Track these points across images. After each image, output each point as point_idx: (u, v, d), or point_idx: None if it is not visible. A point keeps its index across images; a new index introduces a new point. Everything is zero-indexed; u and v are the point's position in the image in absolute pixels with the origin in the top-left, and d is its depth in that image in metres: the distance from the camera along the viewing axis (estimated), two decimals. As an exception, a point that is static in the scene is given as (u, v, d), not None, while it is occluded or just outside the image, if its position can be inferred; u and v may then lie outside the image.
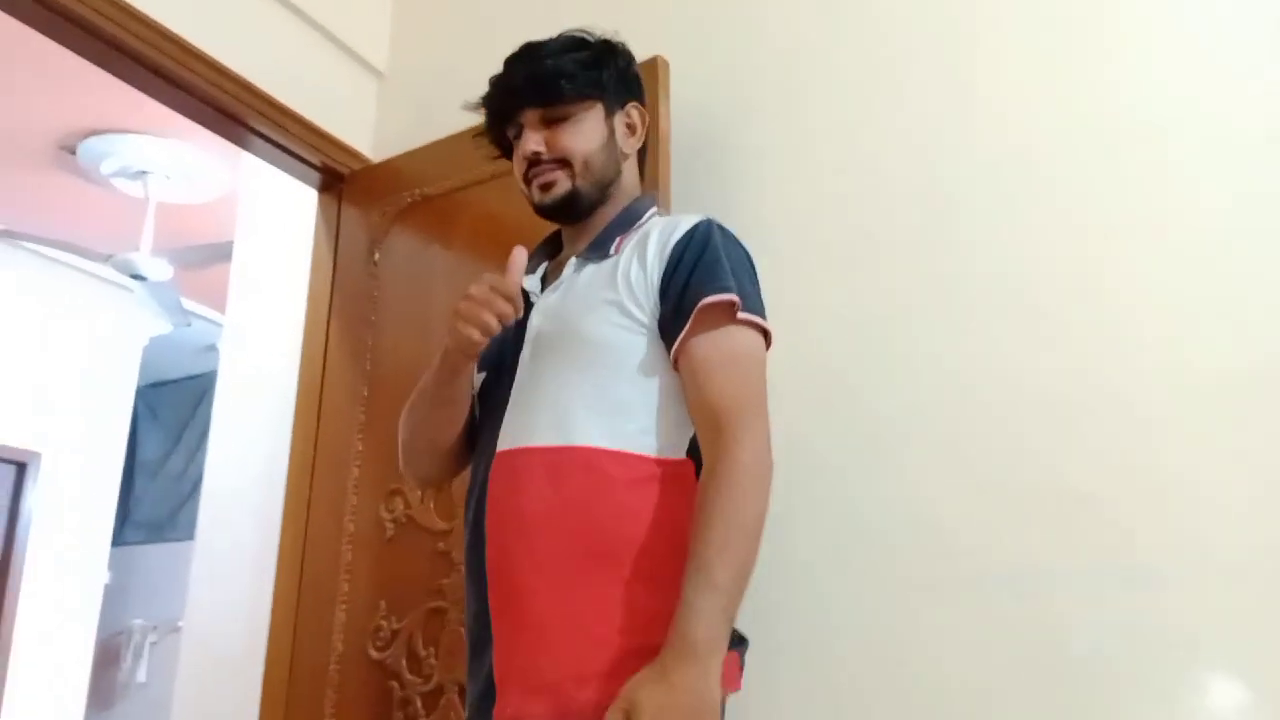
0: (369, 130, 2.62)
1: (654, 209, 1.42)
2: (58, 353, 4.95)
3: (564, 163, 1.35)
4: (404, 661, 1.96)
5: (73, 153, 3.93)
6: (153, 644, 5.86)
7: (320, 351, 2.40)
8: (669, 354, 1.23)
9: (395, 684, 1.96)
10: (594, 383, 1.23)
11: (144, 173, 3.97)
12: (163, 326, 5.09)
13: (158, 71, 2.11)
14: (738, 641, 1.19)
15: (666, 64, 1.96)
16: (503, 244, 2.10)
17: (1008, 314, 1.69)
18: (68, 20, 1.93)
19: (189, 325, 4.83)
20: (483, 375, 1.39)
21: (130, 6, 1.99)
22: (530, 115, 1.37)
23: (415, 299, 2.25)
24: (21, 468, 4.85)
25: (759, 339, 1.25)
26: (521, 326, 1.32)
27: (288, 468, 2.36)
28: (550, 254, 1.48)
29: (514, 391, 1.29)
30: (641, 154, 1.48)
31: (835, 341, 1.84)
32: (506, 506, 1.22)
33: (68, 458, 4.96)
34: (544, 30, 2.44)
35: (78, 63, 2.09)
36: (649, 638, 1.10)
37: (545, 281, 1.42)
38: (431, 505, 2.03)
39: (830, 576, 1.72)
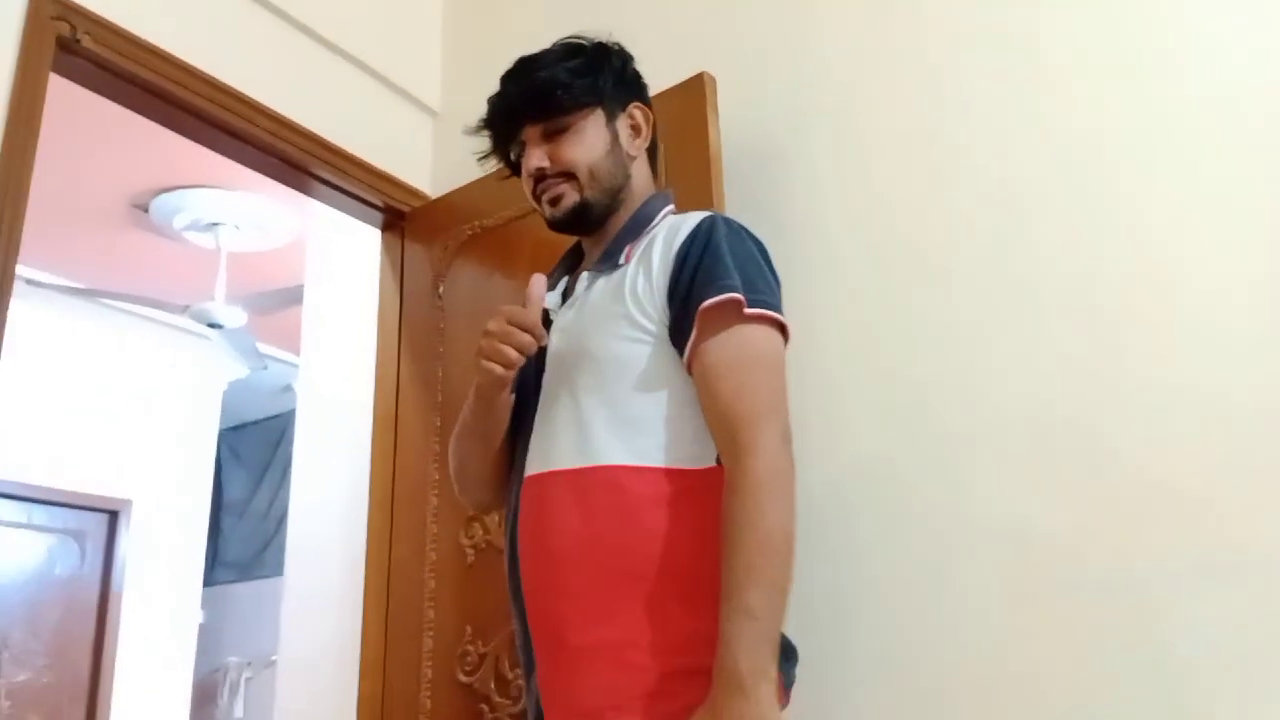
0: (427, 168, 2.69)
1: (667, 208, 1.39)
2: (143, 403, 5.13)
3: (569, 175, 1.34)
4: (492, 684, 2.00)
5: (145, 210, 4.09)
6: (248, 679, 6.01)
7: (393, 385, 2.46)
8: (685, 362, 1.21)
9: (485, 707, 1.99)
10: (610, 400, 1.22)
11: (215, 224, 4.11)
12: (240, 371, 5.26)
13: (223, 127, 2.20)
14: (784, 658, 1.13)
15: (714, 80, 1.98)
16: (563, 269, 2.16)
17: (1083, 316, 1.67)
18: (134, 85, 2.02)
19: (265, 368, 4.99)
20: (513, 398, 1.37)
21: (193, 68, 2.08)
22: (531, 131, 1.35)
23: (480, 329, 2.29)
24: (114, 516, 5.04)
25: (772, 334, 1.21)
26: (543, 347, 1.29)
27: (368, 500, 2.42)
28: (571, 267, 1.46)
29: (538, 414, 1.29)
30: (652, 152, 1.45)
31: (908, 354, 1.83)
32: (536, 532, 1.22)
33: (158, 503, 5.14)
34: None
35: (143, 124, 2.19)
36: (688, 658, 1.09)
37: (566, 296, 1.39)
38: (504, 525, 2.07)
39: (919, 593, 1.72)
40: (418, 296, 2.47)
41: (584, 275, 1.35)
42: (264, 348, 4.94)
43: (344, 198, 2.55)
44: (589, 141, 1.34)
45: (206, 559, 5.45)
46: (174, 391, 5.28)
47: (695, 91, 1.97)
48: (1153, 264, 1.63)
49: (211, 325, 4.25)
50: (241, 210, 4.08)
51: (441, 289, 2.41)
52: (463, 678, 2.05)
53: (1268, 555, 1.45)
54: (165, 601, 5.10)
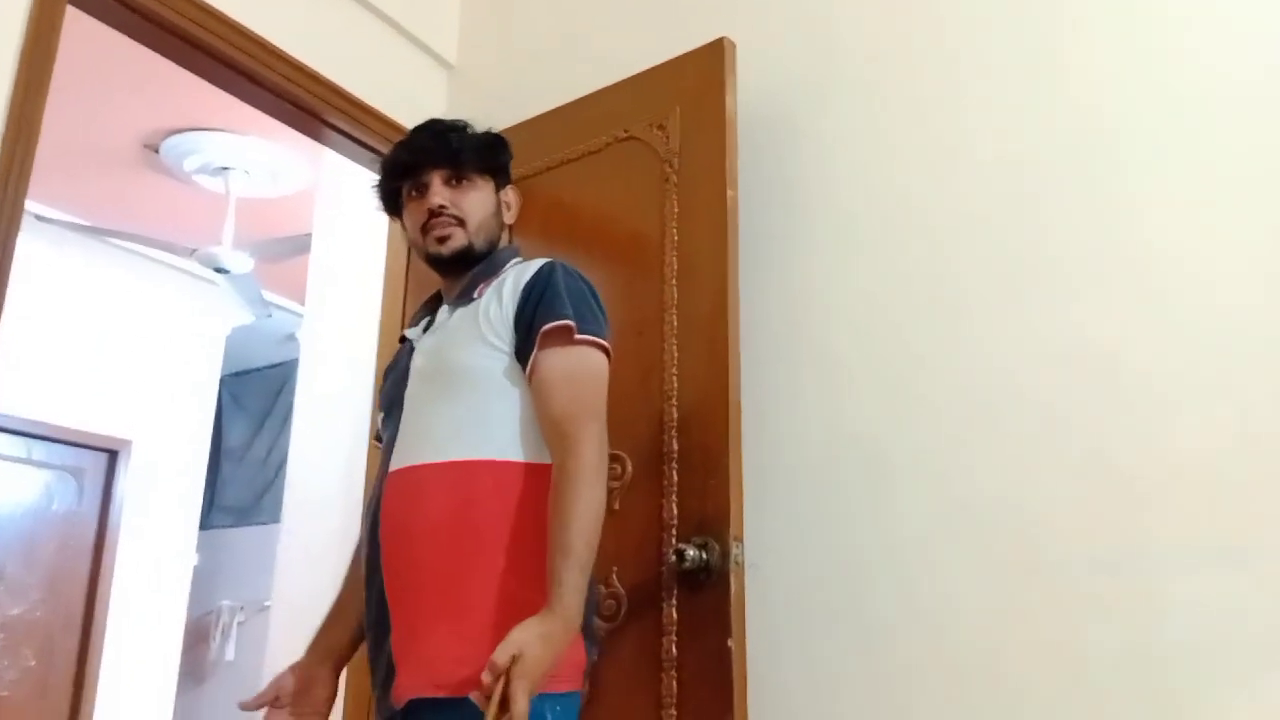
0: (440, 121, 2.67)
1: (514, 258, 1.61)
2: (146, 344, 5.14)
3: (461, 221, 1.56)
4: (483, 637, 2.02)
5: (156, 151, 4.07)
6: (240, 623, 6.07)
7: (396, 338, 2.46)
8: (526, 375, 1.44)
9: (475, 659, 2.02)
10: (466, 404, 1.45)
11: (225, 169, 4.10)
12: (245, 317, 5.26)
13: (238, 70, 2.19)
14: (586, 636, 1.37)
15: (733, 45, 1.97)
16: (575, 228, 2.16)
17: (1098, 291, 1.67)
18: (152, 23, 2.02)
19: (270, 316, 4.99)
20: (381, 415, 1.61)
21: (211, 7, 2.07)
22: (437, 175, 1.57)
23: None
24: (113, 455, 5.06)
25: (597, 355, 1.45)
26: (407, 368, 1.55)
27: (367, 451, 2.44)
28: (432, 309, 1.67)
29: (403, 422, 1.51)
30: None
31: (912, 327, 1.84)
32: (400, 516, 1.43)
33: (157, 445, 5.16)
34: (608, 18, 2.48)
35: (159, 64, 2.18)
36: (509, 621, 1.28)
37: (429, 328, 1.62)
38: (507, 486, 2.08)
39: (925, 563, 1.73)
40: (426, 250, 2.47)
41: (444, 309, 1.60)
42: (269, 295, 4.94)
43: (356, 147, 2.54)
44: (483, 200, 1.60)
45: (204, 503, 5.49)
46: (178, 335, 5.29)
47: (714, 56, 1.96)
48: (1161, 245, 1.63)
49: (218, 270, 4.25)
50: (253, 156, 4.06)
51: (450, 244, 2.41)
52: (454, 629, 2.08)
53: (1264, 538, 1.47)
54: (161, 542, 5.14)
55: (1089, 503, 1.60)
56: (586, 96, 2.22)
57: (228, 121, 3.86)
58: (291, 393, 3.21)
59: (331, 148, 2.61)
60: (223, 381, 5.73)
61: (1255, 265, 1.56)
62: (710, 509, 1.73)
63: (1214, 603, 1.48)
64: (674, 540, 1.76)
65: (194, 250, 4.20)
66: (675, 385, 1.86)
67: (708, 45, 1.98)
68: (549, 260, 1.54)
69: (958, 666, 1.66)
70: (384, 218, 2.63)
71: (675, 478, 1.81)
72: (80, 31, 1.92)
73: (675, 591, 1.74)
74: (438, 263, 1.59)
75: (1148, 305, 1.63)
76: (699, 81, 1.98)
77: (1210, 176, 1.62)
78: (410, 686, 1.35)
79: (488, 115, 2.48)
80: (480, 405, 1.44)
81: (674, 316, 1.90)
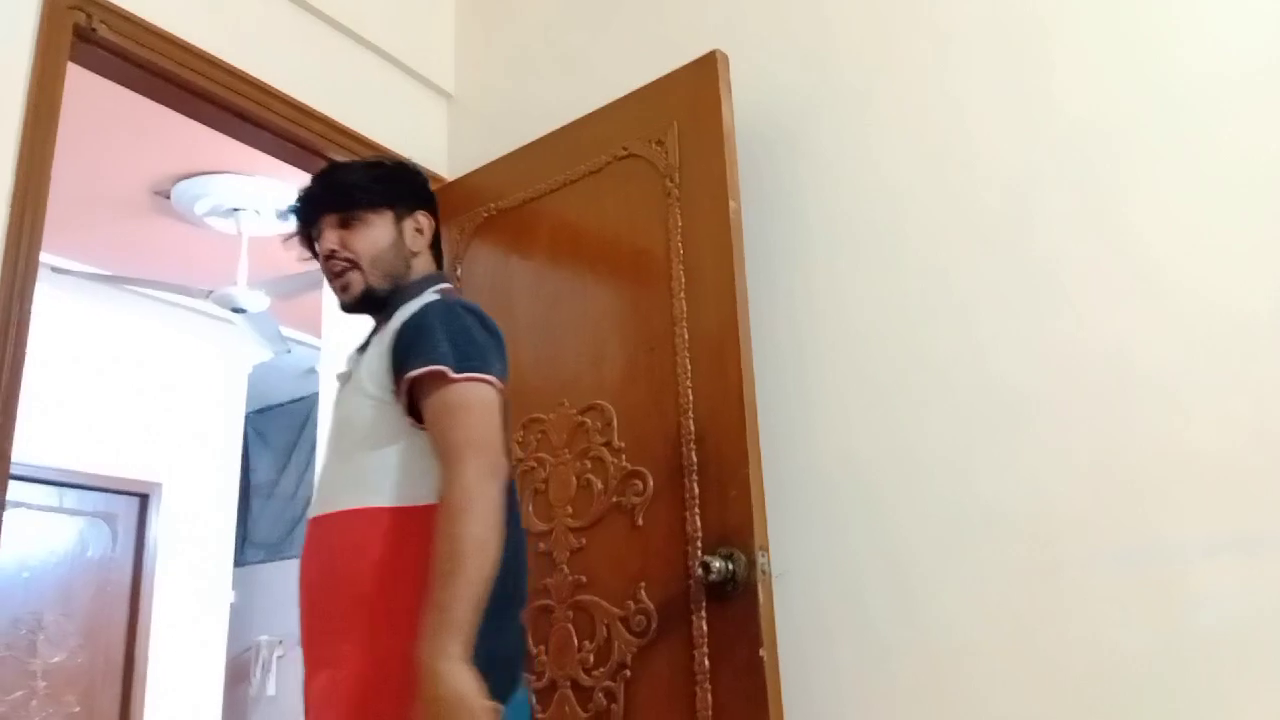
0: (442, 150, 2.70)
1: (426, 292, 1.55)
2: (170, 387, 5.20)
3: (354, 263, 1.54)
4: (516, 660, 2.02)
5: (167, 197, 4.12)
6: (279, 657, 6.11)
7: (413, 367, 2.48)
8: (404, 424, 1.41)
9: (509, 682, 2.02)
10: (349, 455, 1.45)
11: (236, 210, 4.14)
12: (264, 354, 5.31)
13: (238, 114, 2.23)
14: (489, 667, 1.26)
15: (725, 57, 1.98)
16: (581, 248, 2.17)
17: (1103, 291, 1.67)
18: (150, 73, 2.05)
19: (289, 351, 5.03)
20: None
21: (208, 54, 2.10)
22: (329, 219, 1.56)
23: (499, 309, 2.28)
24: (145, 499, 5.11)
25: (479, 388, 1.39)
26: None
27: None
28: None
29: (321, 467, 1.54)
30: (436, 247, 1.66)
31: (919, 334, 1.84)
32: (302, 566, 1.46)
33: (187, 486, 5.21)
34: (601, 39, 2.50)
35: (164, 111, 2.21)
36: (386, 669, 1.30)
37: None
38: (531, 508, 2.09)
39: (946, 566, 1.73)
40: (436, 278, 2.49)
41: (353, 354, 1.59)
42: (287, 331, 4.98)
43: (361, 181, 2.56)
44: (375, 235, 1.55)
45: (236, 540, 5.53)
46: (200, 375, 5.34)
47: (708, 69, 1.97)
48: (1165, 243, 1.63)
49: (235, 310, 4.29)
50: (262, 195, 4.10)
51: (459, 271, 2.43)
52: (486, 654, 2.08)
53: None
54: (196, 582, 5.18)
55: (1105, 502, 1.59)
56: (585, 117, 2.24)
57: (235, 164, 3.91)
58: (315, 425, 3.23)
59: (337, 183, 2.64)
60: (247, 418, 5.78)
61: (1265, 260, 1.54)
62: (733, 520, 1.74)
63: (1234, 595, 1.47)
64: (699, 553, 1.77)
65: (210, 292, 4.25)
66: (690, 398, 1.86)
67: (701, 59, 1.99)
68: (429, 303, 1.49)
69: (985, 670, 1.65)
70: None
71: (696, 490, 1.81)
72: (84, 84, 1.95)
73: (704, 604, 1.74)
74: (349, 310, 1.58)
75: (1154, 303, 1.62)
76: (694, 95, 1.99)
77: (1209, 171, 1.61)
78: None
79: (489, 141, 2.53)
80: (362, 454, 1.43)
81: (684, 330, 1.90)
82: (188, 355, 5.30)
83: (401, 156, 2.54)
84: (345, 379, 1.56)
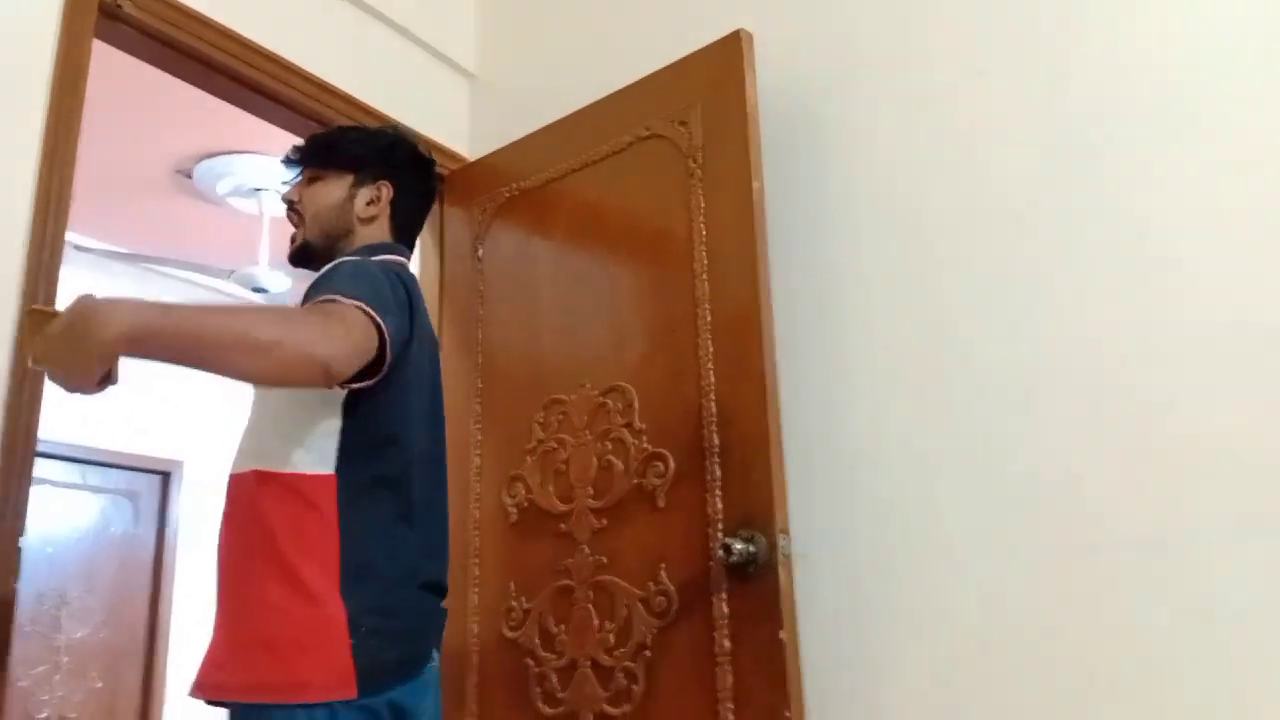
0: (464, 130, 2.69)
1: (354, 258, 1.52)
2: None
3: (302, 217, 1.60)
4: (537, 639, 2.03)
5: (189, 176, 4.14)
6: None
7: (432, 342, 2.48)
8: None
9: (530, 661, 2.03)
10: (260, 417, 1.46)
11: (257, 190, 4.15)
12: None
13: (261, 91, 2.22)
14: (375, 650, 1.31)
15: (750, 36, 1.96)
16: (603, 229, 2.16)
17: (1127, 273, 1.65)
18: (174, 50, 2.04)
19: (307, 331, 5.04)
20: None
21: (232, 32, 2.10)
22: (305, 174, 1.63)
23: (520, 290, 2.31)
24: (166, 476, 5.16)
25: (356, 312, 1.30)
26: None
27: (412, 461, 2.46)
28: None
29: None
30: (398, 218, 1.64)
31: (951, 314, 1.82)
32: (222, 517, 1.47)
33: (208, 464, 5.24)
34: (624, 18, 2.48)
35: (187, 91, 2.21)
36: (267, 629, 1.32)
37: None
38: (551, 489, 2.10)
39: (974, 549, 1.72)
40: (457, 260, 2.49)
41: None
42: (307, 311, 4.99)
43: (382, 160, 2.56)
44: (324, 192, 1.60)
45: (255, 518, 5.56)
46: (220, 355, 5.37)
47: (732, 48, 1.95)
48: (1200, 219, 1.60)
49: (256, 289, 4.31)
50: (283, 175, 4.11)
51: (481, 251, 2.43)
52: (508, 633, 2.09)
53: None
54: (217, 559, 5.22)
55: (1135, 482, 1.58)
56: (607, 97, 2.22)
57: (257, 143, 3.91)
58: (334, 407, 3.24)
59: (358, 163, 2.64)
60: (267, 398, 5.81)
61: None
62: (754, 502, 1.73)
63: (1265, 572, 1.46)
64: (720, 534, 1.76)
65: (232, 271, 4.26)
66: (712, 380, 1.86)
67: (725, 38, 1.98)
68: (343, 260, 1.49)
69: (1011, 652, 1.64)
70: (414, 229, 2.69)
71: (718, 472, 1.81)
72: (108, 63, 1.95)
73: (725, 586, 1.74)
74: (292, 261, 1.62)
75: (1186, 284, 1.60)
76: (718, 74, 1.97)
77: (1246, 143, 1.59)
78: (197, 685, 1.39)
79: (511, 121, 2.52)
80: (268, 417, 1.44)
81: (707, 311, 1.90)
82: (209, 335, 5.33)
83: (419, 134, 2.57)
84: None
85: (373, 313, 1.30)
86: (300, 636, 1.32)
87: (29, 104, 1.73)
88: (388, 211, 1.63)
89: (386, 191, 1.63)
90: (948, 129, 1.89)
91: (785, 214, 1.99)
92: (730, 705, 1.70)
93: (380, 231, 1.63)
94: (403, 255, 1.63)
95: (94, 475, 4.92)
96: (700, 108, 2.00)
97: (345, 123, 2.37)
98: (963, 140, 1.86)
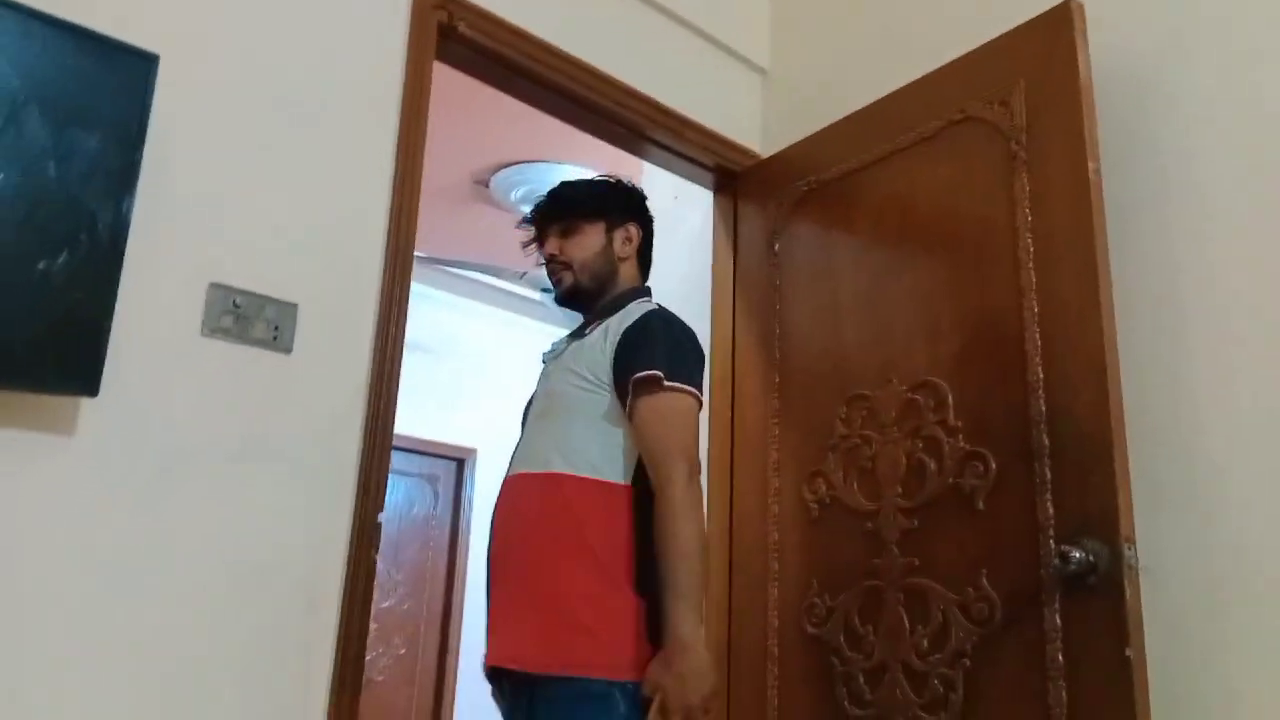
0: (757, 127, 2.70)
1: (637, 300, 1.79)
2: (484, 359, 5.62)
3: (568, 265, 1.82)
4: (842, 638, 2.00)
5: (486, 185, 4.43)
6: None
7: (729, 343, 2.51)
8: (623, 411, 1.65)
9: (835, 659, 2.00)
10: (561, 427, 1.68)
11: (547, 195, 4.38)
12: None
13: (574, 99, 2.33)
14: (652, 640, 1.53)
15: (1081, 7, 1.83)
16: (910, 219, 2.09)
17: None
18: (502, 66, 2.19)
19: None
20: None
21: (550, 45, 2.21)
22: (553, 228, 1.86)
23: (819, 284, 2.28)
24: (461, 463, 5.58)
25: (686, 399, 1.64)
26: (538, 389, 1.84)
27: (707, 455, 2.49)
28: (570, 339, 1.89)
29: (523, 434, 1.79)
30: (643, 259, 1.91)
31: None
32: (504, 514, 1.71)
33: (500, 450, 5.59)
34: (921, 5, 2.38)
35: (488, 107, 2.35)
36: (570, 605, 1.56)
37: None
38: (855, 486, 2.06)
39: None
40: (752, 255, 2.50)
41: (566, 338, 1.87)
42: (586, 311, 5.20)
43: (677, 159, 2.62)
44: (587, 243, 1.83)
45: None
46: (513, 352, 5.73)
47: (1062, 21, 1.83)
48: None
49: (545, 290, 4.55)
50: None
51: (777, 246, 2.42)
52: (810, 629, 2.07)
53: None
54: (507, 541, 5.56)
55: None
56: (911, 84, 2.15)
57: (546, 153, 4.13)
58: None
59: (653, 162, 2.71)
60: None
61: None
62: (1094, 508, 1.61)
63: None
64: (1052, 542, 1.66)
65: (524, 274, 4.53)
66: (1040, 376, 1.75)
67: (1053, 10, 1.85)
68: (650, 310, 1.73)
69: None
70: (709, 228, 2.73)
71: (1048, 475, 1.70)
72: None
73: (1058, 596, 1.63)
74: (561, 301, 1.88)
75: None
76: (1045, 50, 1.85)
77: None
78: (495, 656, 1.62)
79: (804, 116, 2.50)
80: (572, 428, 1.66)
81: (1034, 302, 1.78)
82: (501, 333, 5.70)
83: (717, 133, 2.60)
84: (554, 358, 1.82)
85: (689, 388, 1.64)
86: (612, 622, 1.56)
87: (383, 121, 1.90)
88: (636, 250, 1.88)
89: (635, 231, 1.88)
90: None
91: (1117, 193, 1.83)
92: (1064, 723, 1.59)
93: (633, 269, 1.88)
94: (651, 294, 1.88)
95: (399, 460, 5.35)
96: (1023, 86, 1.88)
97: (647, 125, 2.45)
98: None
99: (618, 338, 1.68)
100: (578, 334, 1.82)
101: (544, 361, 1.86)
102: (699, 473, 1.61)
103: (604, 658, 1.53)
